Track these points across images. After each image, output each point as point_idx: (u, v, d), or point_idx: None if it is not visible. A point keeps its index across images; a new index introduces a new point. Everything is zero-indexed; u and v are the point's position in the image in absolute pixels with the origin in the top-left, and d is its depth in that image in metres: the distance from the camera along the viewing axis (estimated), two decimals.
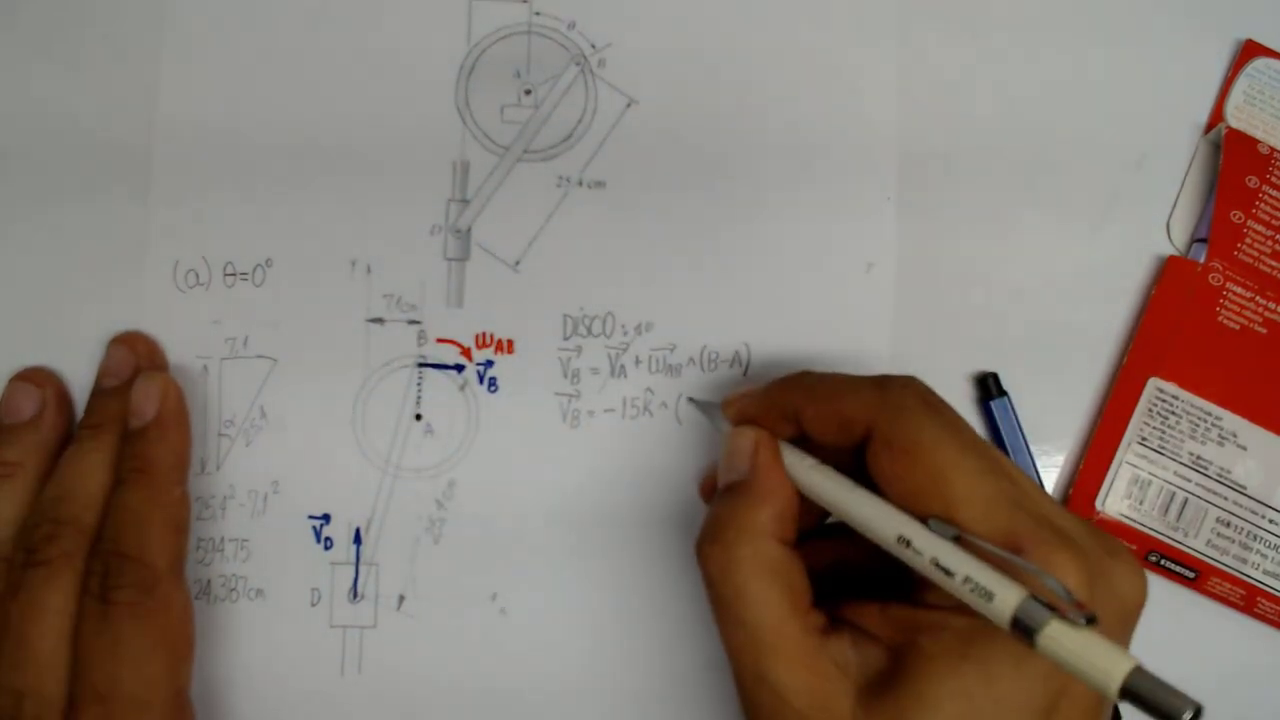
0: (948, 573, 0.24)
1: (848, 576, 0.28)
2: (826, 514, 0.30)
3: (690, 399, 0.35)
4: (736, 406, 0.30)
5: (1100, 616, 0.22)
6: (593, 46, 0.36)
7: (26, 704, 0.29)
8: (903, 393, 0.27)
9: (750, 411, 0.30)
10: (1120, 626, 0.25)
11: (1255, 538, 0.35)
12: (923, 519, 0.25)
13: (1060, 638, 0.22)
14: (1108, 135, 0.37)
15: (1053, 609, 0.22)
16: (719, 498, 0.29)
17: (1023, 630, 0.22)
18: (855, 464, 0.28)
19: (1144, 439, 0.35)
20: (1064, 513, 0.26)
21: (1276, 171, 0.36)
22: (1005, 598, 0.22)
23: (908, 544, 0.25)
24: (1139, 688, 0.21)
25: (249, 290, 0.35)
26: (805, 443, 0.29)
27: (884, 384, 0.27)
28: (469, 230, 0.35)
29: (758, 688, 0.26)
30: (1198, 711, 0.20)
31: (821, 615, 0.27)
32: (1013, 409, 0.35)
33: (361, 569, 0.34)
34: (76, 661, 0.30)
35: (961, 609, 0.24)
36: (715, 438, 0.35)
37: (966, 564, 0.23)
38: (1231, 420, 0.35)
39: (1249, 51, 0.37)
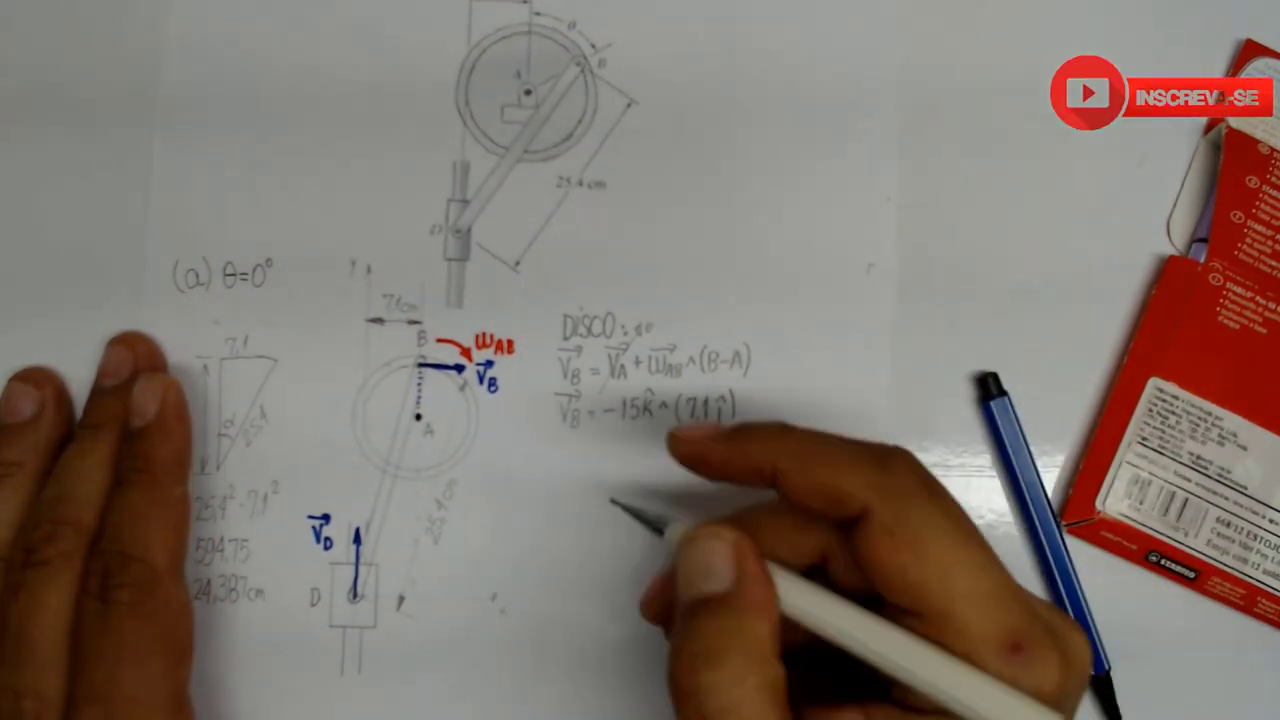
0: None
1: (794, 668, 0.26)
2: None
3: (613, 500, 0.31)
4: (692, 447, 0.28)
5: (1071, 691, 0.24)
6: (593, 46, 0.36)
7: (26, 703, 0.29)
8: (906, 475, 0.26)
9: (714, 458, 0.27)
10: (1080, 691, 0.26)
11: (1255, 537, 0.35)
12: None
13: None
14: (1108, 135, 0.37)
15: None
16: (697, 614, 0.25)
17: None
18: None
19: (1144, 439, 0.35)
20: (1036, 599, 0.26)
21: (1276, 171, 0.36)
22: None
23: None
24: None
25: (249, 290, 0.35)
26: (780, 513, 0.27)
27: (884, 463, 0.26)
28: (469, 230, 0.35)
29: None
30: None
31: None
32: (1013, 409, 0.35)
33: (361, 569, 0.34)
34: (76, 661, 0.29)
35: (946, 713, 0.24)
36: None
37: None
38: (1231, 420, 0.35)
39: (1249, 51, 0.37)
